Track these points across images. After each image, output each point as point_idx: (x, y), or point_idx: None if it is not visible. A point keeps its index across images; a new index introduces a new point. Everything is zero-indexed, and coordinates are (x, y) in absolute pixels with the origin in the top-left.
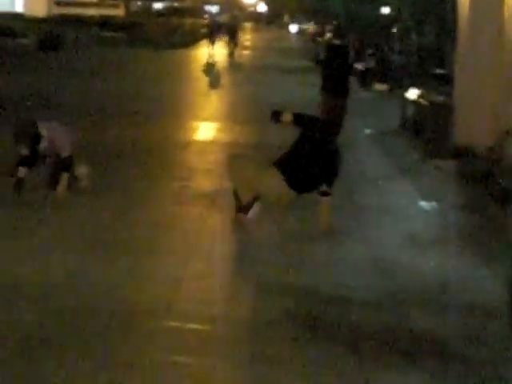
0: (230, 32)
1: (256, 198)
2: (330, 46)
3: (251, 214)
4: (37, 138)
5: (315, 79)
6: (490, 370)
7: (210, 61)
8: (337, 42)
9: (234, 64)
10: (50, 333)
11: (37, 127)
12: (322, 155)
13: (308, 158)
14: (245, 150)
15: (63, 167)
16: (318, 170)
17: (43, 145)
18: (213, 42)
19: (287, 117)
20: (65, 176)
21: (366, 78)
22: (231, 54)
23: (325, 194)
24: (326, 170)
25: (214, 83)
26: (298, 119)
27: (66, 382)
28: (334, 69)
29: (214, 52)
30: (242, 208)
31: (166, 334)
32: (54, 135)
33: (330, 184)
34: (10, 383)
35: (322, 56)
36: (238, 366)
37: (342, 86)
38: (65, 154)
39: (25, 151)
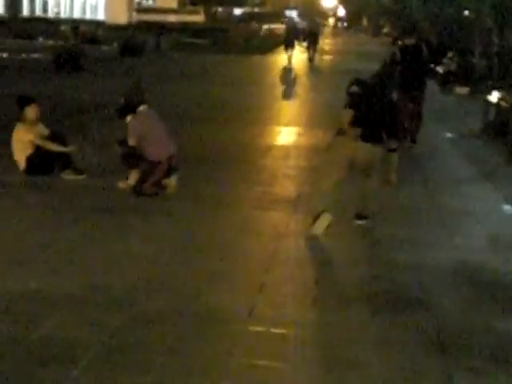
0: (310, 38)
1: (324, 210)
2: (405, 46)
3: (317, 228)
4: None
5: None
6: None
7: (288, 66)
8: (410, 41)
9: (313, 69)
10: (137, 336)
11: None
12: (384, 110)
13: (375, 113)
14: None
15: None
16: (384, 124)
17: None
18: (290, 47)
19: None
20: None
21: (446, 82)
22: (311, 60)
23: (392, 150)
24: (390, 125)
25: (288, 89)
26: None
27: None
28: (408, 67)
29: (292, 57)
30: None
31: (250, 339)
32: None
33: (395, 137)
34: None
35: (398, 57)
36: (319, 370)
37: (417, 82)
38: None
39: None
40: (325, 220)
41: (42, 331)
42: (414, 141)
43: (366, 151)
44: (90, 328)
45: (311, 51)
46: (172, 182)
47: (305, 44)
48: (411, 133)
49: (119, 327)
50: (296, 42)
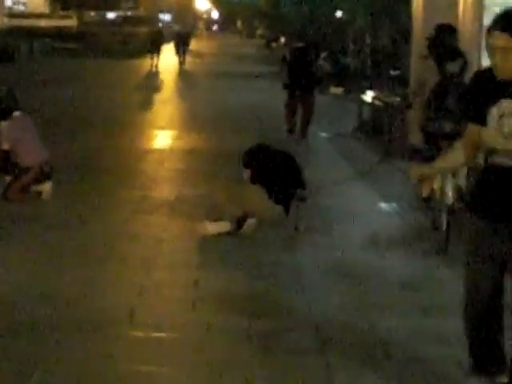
0: (180, 41)
1: (249, 214)
2: (295, 48)
3: (246, 229)
4: None
5: (270, 83)
6: None
7: (154, 70)
8: (299, 44)
9: (185, 72)
10: (13, 346)
11: None
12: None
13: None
14: (201, 156)
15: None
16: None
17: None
18: (156, 52)
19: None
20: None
21: (320, 82)
22: (182, 63)
23: (302, 199)
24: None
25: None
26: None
27: None
28: (299, 68)
29: (158, 61)
30: (237, 222)
31: (130, 343)
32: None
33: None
34: None
35: (288, 57)
36: (199, 374)
37: (306, 82)
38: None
39: None
40: (223, 226)
41: None
42: (304, 135)
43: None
44: None
45: (181, 55)
46: (46, 187)
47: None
48: (302, 128)
49: None
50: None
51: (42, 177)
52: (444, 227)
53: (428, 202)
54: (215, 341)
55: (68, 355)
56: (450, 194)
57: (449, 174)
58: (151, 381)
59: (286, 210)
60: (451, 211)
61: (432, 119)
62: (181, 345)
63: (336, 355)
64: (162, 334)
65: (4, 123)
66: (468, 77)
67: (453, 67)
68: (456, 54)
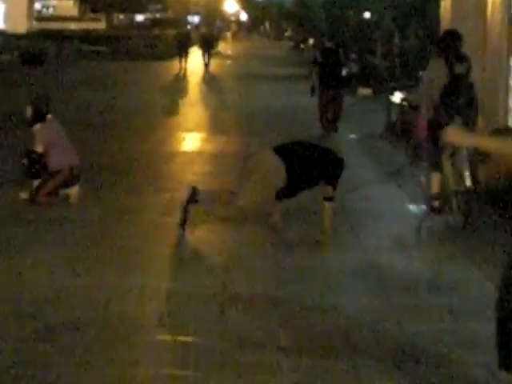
0: (205, 43)
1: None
2: (325, 49)
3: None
4: None
5: (300, 86)
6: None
7: (182, 72)
8: (329, 45)
9: (211, 75)
10: (42, 349)
11: None
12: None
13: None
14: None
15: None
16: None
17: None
18: (185, 54)
19: None
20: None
21: (349, 83)
22: (207, 65)
23: (328, 199)
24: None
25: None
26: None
27: None
28: (329, 68)
29: (186, 63)
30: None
31: (158, 347)
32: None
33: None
34: None
35: (319, 58)
36: (227, 377)
37: (336, 81)
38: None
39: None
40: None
41: None
42: (336, 129)
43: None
44: None
45: (206, 57)
46: (74, 191)
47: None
48: (334, 123)
49: (24, 340)
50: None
51: (71, 180)
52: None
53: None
54: (243, 345)
55: (95, 359)
56: (467, 175)
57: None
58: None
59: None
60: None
61: (443, 116)
62: (208, 349)
63: (364, 358)
64: (189, 338)
65: (38, 126)
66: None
67: (460, 69)
68: (462, 57)
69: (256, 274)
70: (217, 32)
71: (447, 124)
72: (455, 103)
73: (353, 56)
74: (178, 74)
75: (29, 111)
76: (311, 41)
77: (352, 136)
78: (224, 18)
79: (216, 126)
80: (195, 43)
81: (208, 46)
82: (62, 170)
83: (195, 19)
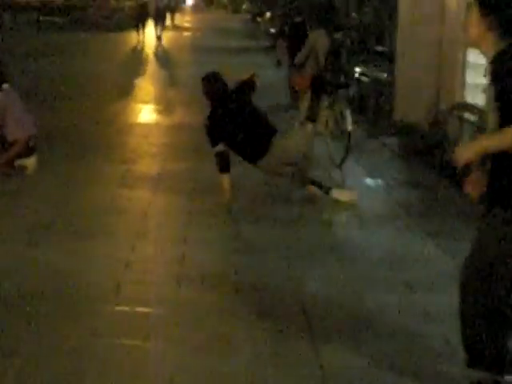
0: (158, 15)
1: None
2: (294, 23)
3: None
4: None
5: (259, 58)
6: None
7: (140, 44)
8: (298, 19)
9: (167, 48)
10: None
11: None
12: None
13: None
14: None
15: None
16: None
17: None
18: (142, 26)
19: None
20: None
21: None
22: (159, 38)
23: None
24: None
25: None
26: None
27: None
28: (299, 41)
29: (144, 35)
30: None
31: (116, 318)
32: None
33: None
34: None
35: (287, 32)
36: (184, 349)
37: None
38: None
39: None
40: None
41: None
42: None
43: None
44: None
45: (160, 29)
46: (31, 161)
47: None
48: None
49: None
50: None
51: (28, 151)
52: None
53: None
54: (200, 316)
55: (54, 329)
56: (349, 120)
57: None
58: (136, 355)
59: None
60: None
61: (327, 72)
62: (166, 320)
63: (322, 331)
64: (148, 309)
65: None
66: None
67: (338, 36)
68: (339, 26)
69: (215, 245)
70: (173, 4)
71: (330, 80)
72: (337, 63)
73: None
74: (135, 46)
75: None
76: (268, 14)
77: None
78: None
79: (173, 98)
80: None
81: (161, 18)
82: (19, 140)
83: None
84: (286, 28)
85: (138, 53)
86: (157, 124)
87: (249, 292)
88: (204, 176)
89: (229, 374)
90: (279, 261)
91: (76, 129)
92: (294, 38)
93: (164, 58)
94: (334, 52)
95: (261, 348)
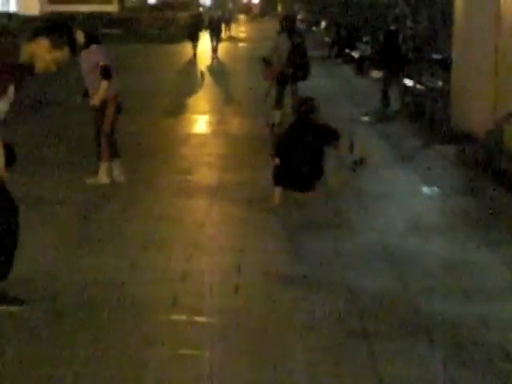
0: (214, 26)
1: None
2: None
3: None
4: None
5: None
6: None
7: (193, 55)
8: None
9: (222, 59)
10: (59, 328)
11: None
12: None
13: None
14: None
15: None
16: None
17: None
18: (196, 37)
19: None
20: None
21: (362, 66)
22: (214, 50)
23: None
24: None
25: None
26: None
27: (73, 377)
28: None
29: (197, 48)
30: None
31: (173, 328)
32: None
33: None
34: None
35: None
36: (242, 358)
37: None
38: None
39: None
40: None
41: None
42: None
43: None
44: (12, 321)
45: (215, 41)
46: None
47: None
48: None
49: (41, 319)
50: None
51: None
52: None
53: None
54: (257, 326)
55: (111, 340)
56: None
57: None
58: (192, 364)
59: None
60: None
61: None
62: (222, 329)
63: (380, 339)
64: (204, 319)
65: (94, 46)
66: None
67: (297, 40)
68: (298, 32)
69: (270, 255)
70: (228, 15)
71: (289, 74)
72: (294, 62)
73: (366, 38)
74: (190, 58)
75: (80, 35)
76: (323, 23)
77: (365, 119)
78: (237, 0)
79: (226, 109)
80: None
81: (216, 30)
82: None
83: (207, 1)
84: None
85: (192, 64)
86: (212, 134)
87: (305, 300)
88: (260, 186)
89: None
90: (335, 270)
91: (132, 140)
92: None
93: (219, 69)
94: (294, 52)
95: (319, 357)
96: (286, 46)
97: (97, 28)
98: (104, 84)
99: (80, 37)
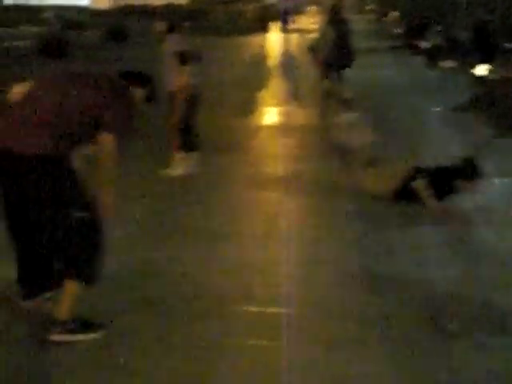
0: (282, 17)
1: None
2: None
3: None
4: None
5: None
6: None
7: (263, 47)
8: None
9: (292, 51)
10: (136, 321)
11: None
12: None
13: None
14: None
15: None
16: None
17: None
18: (266, 28)
19: None
20: None
21: (432, 56)
22: (284, 40)
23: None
24: None
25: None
26: None
27: (146, 367)
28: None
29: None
30: None
31: (246, 319)
32: None
33: None
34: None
35: None
36: (316, 349)
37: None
38: None
39: None
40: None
41: None
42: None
43: None
44: (89, 314)
45: (284, 31)
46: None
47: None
48: None
49: (118, 312)
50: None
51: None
52: None
53: None
54: (331, 317)
55: (186, 330)
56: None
57: None
58: (267, 355)
59: None
60: None
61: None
62: (297, 320)
63: (453, 334)
64: (279, 310)
65: (174, 34)
66: None
67: (343, 29)
68: (344, 21)
69: (345, 246)
70: (298, 6)
71: (334, 62)
72: (339, 51)
73: (437, 28)
74: (259, 49)
75: (161, 25)
76: (393, 14)
77: (436, 109)
78: None
79: (301, 99)
80: (276, 18)
81: (285, 21)
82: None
83: None
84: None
85: (262, 56)
86: (283, 126)
87: (380, 291)
88: (332, 177)
89: (361, 375)
90: (408, 261)
91: (204, 133)
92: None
93: (289, 60)
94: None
95: (392, 349)
96: (330, 36)
97: (174, 19)
98: (182, 70)
99: (161, 27)
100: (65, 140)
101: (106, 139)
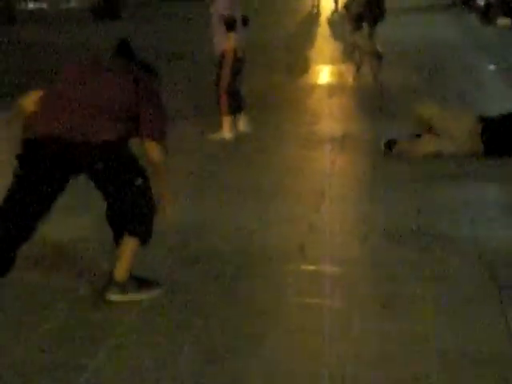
0: None
1: None
2: None
3: None
4: None
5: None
6: None
7: (315, 8)
8: None
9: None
10: (189, 277)
11: None
12: None
13: None
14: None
15: None
16: None
17: None
18: None
19: None
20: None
21: (487, 13)
22: (336, 1)
23: None
24: None
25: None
26: None
27: (204, 327)
28: None
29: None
30: None
31: (301, 277)
32: None
33: None
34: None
35: None
36: (371, 307)
37: None
38: None
39: None
40: None
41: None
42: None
43: None
44: (142, 272)
45: None
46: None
47: None
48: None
49: (171, 268)
50: None
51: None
52: None
53: None
54: (383, 276)
55: (240, 288)
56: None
57: None
58: (320, 314)
59: None
60: None
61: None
62: (350, 278)
63: (508, 290)
64: (332, 268)
65: None
66: None
67: None
68: None
69: (397, 206)
70: None
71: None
72: (370, 8)
73: None
74: (310, 10)
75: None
76: None
77: (491, 67)
78: None
79: (350, 60)
80: None
81: None
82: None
83: None
84: None
85: (314, 16)
86: (335, 85)
87: (431, 252)
88: (386, 136)
89: (415, 333)
90: (462, 221)
91: (257, 92)
92: None
93: (340, 20)
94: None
95: (448, 305)
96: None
97: None
98: (227, 36)
99: None
100: (122, 125)
101: (151, 149)
